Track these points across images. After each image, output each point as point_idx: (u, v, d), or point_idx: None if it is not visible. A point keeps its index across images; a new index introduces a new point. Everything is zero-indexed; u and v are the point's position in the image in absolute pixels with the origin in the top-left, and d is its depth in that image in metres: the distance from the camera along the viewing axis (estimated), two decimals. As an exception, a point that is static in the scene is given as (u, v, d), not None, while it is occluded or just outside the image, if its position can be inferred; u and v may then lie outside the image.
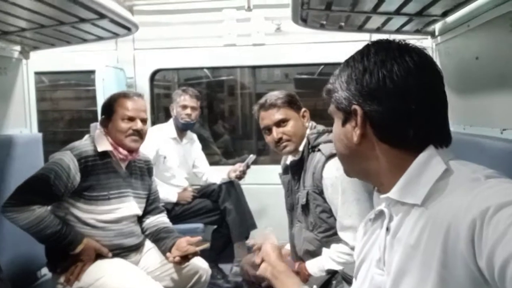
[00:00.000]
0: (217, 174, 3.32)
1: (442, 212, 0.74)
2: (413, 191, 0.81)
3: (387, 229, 0.86)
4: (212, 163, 3.66)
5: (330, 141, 1.76)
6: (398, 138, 0.83)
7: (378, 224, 0.93)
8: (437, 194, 0.78)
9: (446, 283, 0.72)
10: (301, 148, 1.88)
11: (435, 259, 0.73)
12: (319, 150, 1.78)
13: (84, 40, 2.28)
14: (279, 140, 1.86)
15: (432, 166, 0.81)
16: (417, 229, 0.78)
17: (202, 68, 5.11)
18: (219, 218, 3.19)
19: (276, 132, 1.86)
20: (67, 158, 1.91)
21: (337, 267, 1.70)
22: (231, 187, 3.20)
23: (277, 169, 2.25)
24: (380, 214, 0.91)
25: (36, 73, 2.62)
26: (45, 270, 2.30)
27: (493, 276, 0.64)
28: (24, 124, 2.45)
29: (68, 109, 5.89)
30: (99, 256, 1.96)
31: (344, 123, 0.90)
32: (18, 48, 2.35)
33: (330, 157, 1.71)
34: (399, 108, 0.82)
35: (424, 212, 0.78)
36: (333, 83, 0.92)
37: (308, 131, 1.89)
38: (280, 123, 1.86)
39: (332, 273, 1.72)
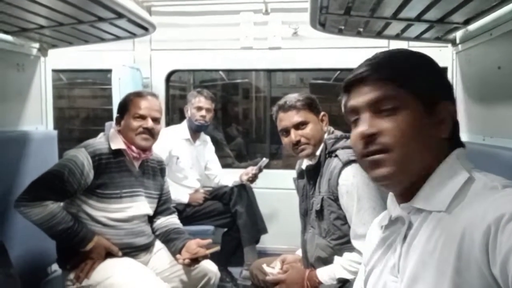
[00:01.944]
0: (229, 177, 3.32)
1: (459, 219, 0.75)
2: (438, 199, 0.81)
3: (405, 236, 0.86)
4: (224, 165, 3.66)
5: (347, 147, 1.73)
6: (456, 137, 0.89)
7: (391, 230, 0.93)
8: (457, 201, 0.78)
9: None
10: (318, 153, 1.85)
11: (449, 266, 0.73)
12: (336, 155, 1.75)
13: (102, 39, 2.30)
14: (297, 143, 1.84)
15: (456, 174, 0.81)
16: (434, 236, 0.79)
17: (217, 71, 5.13)
18: (230, 221, 3.18)
19: (294, 135, 1.83)
20: (81, 155, 1.92)
21: (349, 276, 1.67)
22: (243, 190, 3.19)
23: (290, 173, 2.24)
24: (395, 220, 0.91)
25: (54, 71, 2.65)
26: (55, 266, 2.31)
27: (507, 283, 0.64)
28: (40, 121, 2.47)
29: (84, 107, 5.97)
30: (109, 254, 1.97)
31: (428, 115, 0.84)
32: (36, 45, 2.38)
33: (347, 163, 1.69)
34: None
35: (442, 219, 0.79)
36: (407, 68, 0.87)
37: (326, 136, 1.87)
38: (299, 125, 1.84)
39: (343, 282, 1.70)
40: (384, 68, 0.86)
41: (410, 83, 0.84)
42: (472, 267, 0.70)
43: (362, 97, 0.87)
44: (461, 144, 0.88)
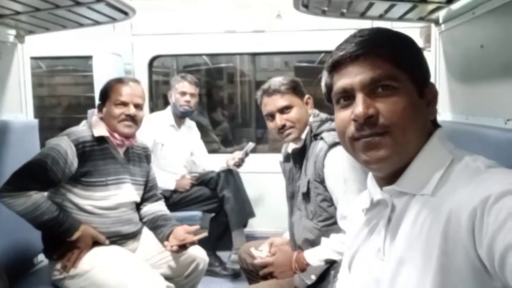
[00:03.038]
0: (216, 162, 3.31)
1: (444, 202, 0.75)
2: (422, 182, 0.80)
3: (389, 219, 0.86)
4: (210, 151, 3.65)
5: (333, 129, 1.73)
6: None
7: (373, 213, 0.93)
8: (441, 184, 0.78)
9: (446, 271, 0.72)
10: (303, 136, 1.85)
11: (436, 248, 0.73)
12: (321, 138, 1.75)
13: (80, 25, 2.23)
14: (283, 127, 1.83)
15: (440, 157, 0.81)
16: (420, 218, 0.78)
17: (201, 55, 5.07)
18: (217, 206, 3.19)
19: (279, 119, 1.83)
20: (64, 144, 1.88)
21: (336, 257, 1.68)
22: (230, 175, 3.19)
23: (276, 157, 2.24)
24: (377, 203, 0.90)
25: (33, 58, 2.58)
26: (41, 257, 2.28)
27: (493, 265, 0.64)
28: (19, 110, 2.41)
29: (65, 94, 5.87)
30: (96, 243, 1.95)
31: (419, 97, 0.84)
32: (13, 32, 2.30)
33: (332, 145, 1.69)
34: None
35: (427, 201, 0.79)
36: (402, 48, 0.85)
37: (311, 119, 1.87)
38: (284, 109, 1.83)
39: (330, 263, 1.71)
40: (381, 47, 0.82)
41: (406, 64, 0.82)
42: (458, 249, 0.70)
43: (358, 76, 0.81)
44: (437, 125, 0.88)
